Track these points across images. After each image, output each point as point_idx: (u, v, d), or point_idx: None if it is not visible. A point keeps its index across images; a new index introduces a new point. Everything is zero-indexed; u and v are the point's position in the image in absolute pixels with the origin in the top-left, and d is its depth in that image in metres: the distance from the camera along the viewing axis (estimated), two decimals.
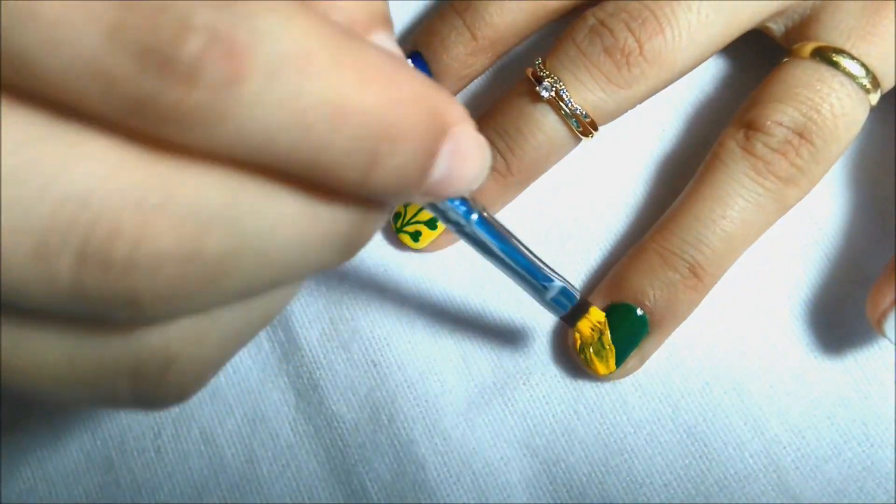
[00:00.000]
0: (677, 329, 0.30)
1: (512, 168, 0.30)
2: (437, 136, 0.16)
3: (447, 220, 0.20)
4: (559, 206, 0.32)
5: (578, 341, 0.29)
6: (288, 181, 0.15)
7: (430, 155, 0.16)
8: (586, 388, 0.30)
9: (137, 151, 0.14)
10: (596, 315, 0.26)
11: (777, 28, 0.31)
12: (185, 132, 0.14)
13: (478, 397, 0.30)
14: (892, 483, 0.29)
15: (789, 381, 0.30)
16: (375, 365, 0.31)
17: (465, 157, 0.16)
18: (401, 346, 0.31)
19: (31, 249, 0.14)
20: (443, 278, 0.32)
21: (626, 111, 0.30)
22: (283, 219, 0.16)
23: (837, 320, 0.31)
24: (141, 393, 0.17)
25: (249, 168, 0.15)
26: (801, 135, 0.28)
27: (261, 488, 0.30)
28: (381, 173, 0.15)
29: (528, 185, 0.31)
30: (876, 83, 0.29)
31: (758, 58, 0.32)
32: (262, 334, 0.32)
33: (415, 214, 0.31)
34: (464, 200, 0.20)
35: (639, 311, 0.29)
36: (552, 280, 0.24)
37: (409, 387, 0.31)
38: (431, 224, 0.30)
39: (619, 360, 0.29)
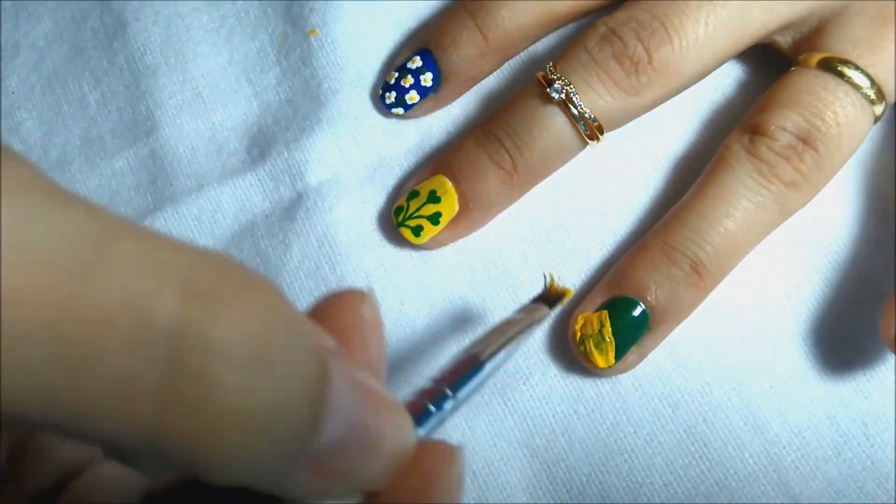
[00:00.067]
0: (678, 329, 0.30)
1: (518, 167, 0.30)
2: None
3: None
4: (560, 205, 0.32)
5: (578, 333, 0.29)
6: None
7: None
8: (586, 387, 0.30)
9: None
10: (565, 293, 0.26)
11: (785, 40, 0.31)
12: None
13: (477, 397, 0.30)
14: (892, 483, 0.29)
15: (789, 381, 0.30)
16: None
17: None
18: (401, 346, 0.31)
19: None
20: (443, 278, 0.32)
21: (631, 119, 0.30)
22: None
23: (837, 321, 0.31)
24: None
25: None
26: (804, 140, 0.29)
27: None
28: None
29: (532, 186, 0.31)
30: (881, 95, 0.29)
31: (763, 65, 0.33)
32: None
33: (417, 209, 0.31)
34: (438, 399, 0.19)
35: (640, 306, 0.29)
36: (483, 364, 0.22)
37: (409, 387, 0.31)
38: (434, 219, 0.31)
39: (619, 354, 0.29)
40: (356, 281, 0.31)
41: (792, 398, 0.30)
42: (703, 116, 0.33)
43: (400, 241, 0.31)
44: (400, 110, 0.32)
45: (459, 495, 0.18)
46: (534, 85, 0.30)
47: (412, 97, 0.32)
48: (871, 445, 0.29)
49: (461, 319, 0.31)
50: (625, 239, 0.32)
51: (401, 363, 0.31)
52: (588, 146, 0.30)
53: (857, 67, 0.29)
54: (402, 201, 0.31)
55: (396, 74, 0.32)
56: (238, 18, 0.34)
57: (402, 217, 0.31)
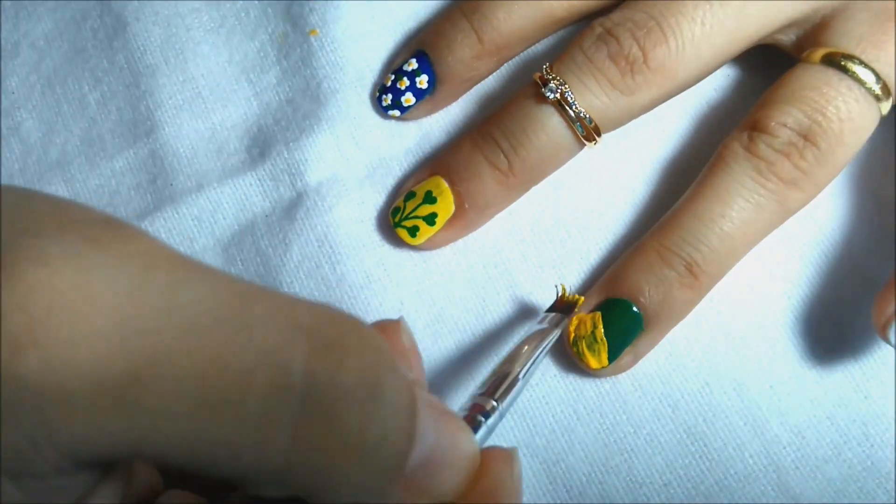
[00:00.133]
0: (677, 329, 0.30)
1: (514, 168, 0.30)
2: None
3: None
4: (559, 205, 0.32)
5: (572, 334, 0.29)
6: None
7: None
8: (586, 388, 0.30)
9: None
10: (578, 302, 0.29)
11: (788, 38, 0.31)
12: None
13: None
14: (892, 483, 0.29)
15: (789, 381, 0.30)
16: None
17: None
18: None
19: None
20: (443, 278, 0.32)
21: (628, 120, 0.30)
22: None
23: (837, 320, 0.31)
24: None
25: None
26: (805, 137, 0.28)
27: None
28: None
29: (529, 187, 0.31)
30: (887, 90, 0.29)
31: (764, 66, 0.33)
32: None
33: (413, 209, 0.31)
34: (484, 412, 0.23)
35: (633, 308, 0.29)
36: (519, 377, 0.25)
37: None
38: (430, 220, 0.30)
39: (613, 355, 0.29)
40: (356, 281, 0.31)
41: (792, 398, 0.30)
42: (703, 117, 0.33)
43: (400, 241, 0.31)
44: (396, 113, 0.32)
45: (521, 493, 0.21)
46: (530, 85, 0.30)
47: (408, 99, 0.32)
48: (871, 445, 0.29)
49: (461, 319, 0.31)
50: (625, 239, 0.32)
51: None
52: (586, 147, 0.30)
53: (861, 62, 0.29)
54: (398, 202, 0.31)
55: (393, 77, 0.32)
56: (238, 18, 0.34)
57: (398, 217, 0.31)
